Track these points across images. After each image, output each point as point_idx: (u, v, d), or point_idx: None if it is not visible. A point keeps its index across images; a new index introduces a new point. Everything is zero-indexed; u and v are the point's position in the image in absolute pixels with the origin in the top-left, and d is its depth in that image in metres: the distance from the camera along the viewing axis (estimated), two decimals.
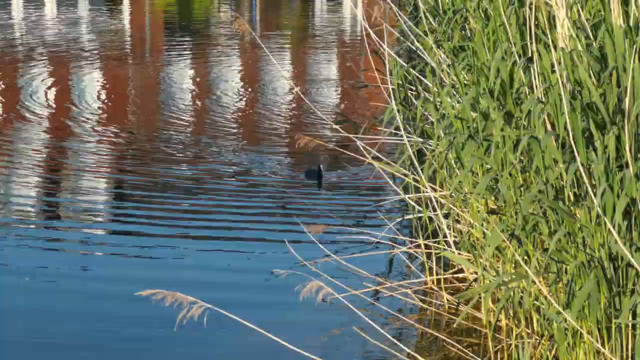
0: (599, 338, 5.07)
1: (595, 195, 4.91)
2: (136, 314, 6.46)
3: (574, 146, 5.09)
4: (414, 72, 7.89)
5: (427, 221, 6.83)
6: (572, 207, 5.31)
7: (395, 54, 7.83)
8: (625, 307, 4.86)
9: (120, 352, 6.12)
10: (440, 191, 6.72)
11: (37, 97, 12.45)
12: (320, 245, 6.89)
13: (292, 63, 15.22)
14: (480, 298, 6.03)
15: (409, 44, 8.37)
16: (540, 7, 6.18)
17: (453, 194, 6.51)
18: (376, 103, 8.95)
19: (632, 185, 4.80)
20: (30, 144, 10.60)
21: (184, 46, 16.52)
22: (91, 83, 13.48)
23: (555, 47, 5.77)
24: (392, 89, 7.51)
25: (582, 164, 5.06)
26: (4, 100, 12.39)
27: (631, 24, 5.70)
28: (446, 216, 6.63)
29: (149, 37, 17.81)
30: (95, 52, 15.63)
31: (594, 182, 5.06)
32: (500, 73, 6.21)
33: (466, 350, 5.89)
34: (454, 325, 6.25)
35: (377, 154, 7.38)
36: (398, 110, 7.16)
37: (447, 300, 6.49)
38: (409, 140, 6.98)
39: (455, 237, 6.60)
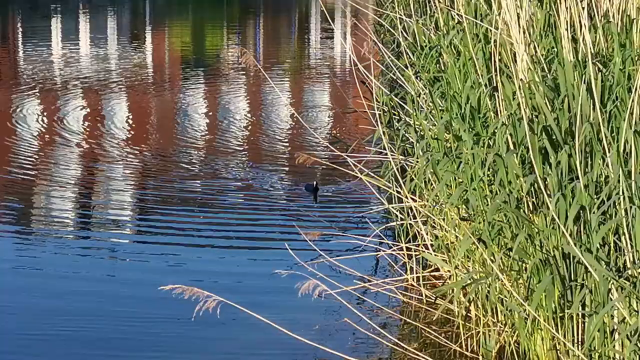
0: (554, 325, 5.09)
1: (550, 203, 4.96)
2: (158, 310, 6.48)
3: (533, 162, 5.14)
4: (396, 99, 7.94)
5: (408, 227, 6.83)
6: (530, 214, 5.35)
7: (380, 84, 7.89)
8: (576, 299, 4.88)
9: (144, 343, 6.15)
10: (419, 201, 6.72)
11: (72, 122, 12.39)
12: (316, 248, 6.90)
13: (290, 91, 15.17)
14: (453, 292, 6.10)
15: (392, 75, 8.43)
16: (503, 44, 6.25)
17: (430, 204, 6.51)
18: (364, 126, 8.97)
19: (581, 194, 4.84)
20: (66, 163, 10.56)
21: (198, 77, 16.46)
22: (118, 110, 13.44)
23: (515, 79, 5.85)
24: (378, 113, 7.53)
25: (539, 177, 5.11)
26: (44, 125, 12.35)
27: (579, 58, 5.78)
28: (424, 223, 6.62)
29: (168, 70, 17.80)
30: (122, 83, 15.59)
31: (549, 193, 5.12)
32: (469, 100, 6.24)
33: (442, 337, 5.91)
34: (432, 314, 6.28)
35: (365, 169, 7.38)
36: (383, 132, 7.20)
37: (426, 295, 6.47)
38: (392, 158, 7.02)
39: (432, 240, 6.58)
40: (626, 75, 5.66)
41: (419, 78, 7.64)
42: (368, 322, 5.83)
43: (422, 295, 6.50)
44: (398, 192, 6.92)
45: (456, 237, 6.21)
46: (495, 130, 5.69)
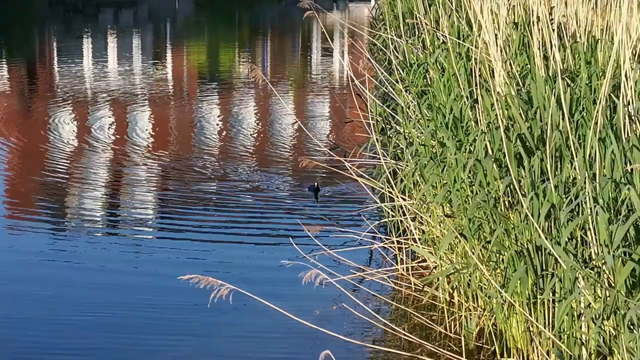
0: (527, 310, 5.10)
1: (524, 202, 4.97)
2: (177, 298, 6.47)
3: (508, 166, 5.15)
4: (388, 110, 7.96)
5: (399, 223, 6.86)
6: (507, 212, 5.37)
7: (373, 97, 7.91)
8: (547, 287, 4.89)
9: (164, 327, 6.16)
10: (408, 200, 6.72)
11: (100, 131, 12.39)
12: (317, 242, 6.89)
13: (294, 103, 15.17)
14: (438, 281, 6.12)
15: (384, 89, 8.43)
16: (483, 62, 6.27)
17: (418, 202, 6.52)
18: (359, 134, 8.97)
19: (552, 194, 4.86)
20: (95, 166, 10.57)
21: (212, 91, 16.47)
22: (141, 119, 13.44)
23: (493, 92, 5.87)
24: (372, 123, 7.53)
25: (514, 179, 5.13)
26: (76, 133, 12.36)
27: (550, 74, 5.79)
28: (413, 219, 6.63)
29: (186, 84, 17.81)
30: (145, 95, 15.58)
31: (523, 193, 5.13)
32: (453, 111, 6.27)
33: (428, 321, 5.93)
34: (419, 300, 6.29)
35: (360, 172, 7.37)
36: (376, 139, 7.22)
37: (414, 283, 6.48)
38: (385, 162, 7.03)
39: (419, 235, 6.59)
40: (592, 89, 5.68)
41: (408, 91, 7.64)
42: (363, 307, 5.84)
43: (411, 284, 6.50)
44: (390, 192, 6.93)
45: (441, 232, 6.22)
46: (476, 138, 5.71)
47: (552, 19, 6.45)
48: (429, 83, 7.36)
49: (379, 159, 7.09)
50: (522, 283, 5.08)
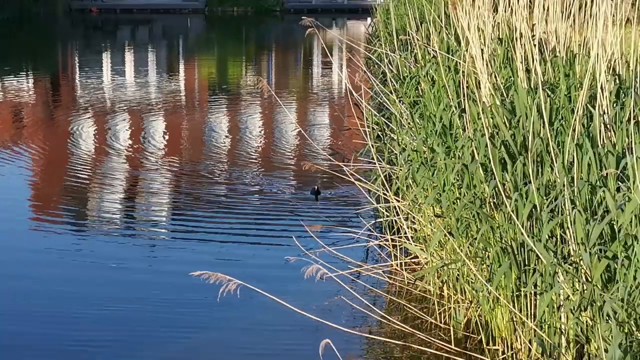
0: (511, 302, 5.10)
1: (508, 203, 4.97)
2: (188, 293, 6.47)
3: (493, 170, 5.17)
4: (383, 119, 7.96)
5: (393, 222, 6.86)
6: (492, 212, 5.37)
7: (369, 107, 7.91)
8: (529, 281, 4.89)
9: (176, 320, 6.12)
10: (401, 201, 6.72)
11: (118, 138, 12.41)
12: (318, 240, 6.89)
13: (297, 112, 15.18)
14: (429, 275, 6.12)
15: (380, 100, 8.44)
16: (470, 74, 6.27)
17: (410, 203, 6.52)
18: (357, 140, 8.97)
19: (533, 195, 4.85)
20: (113, 171, 10.57)
21: (221, 101, 16.49)
22: (156, 127, 13.44)
23: (480, 102, 5.87)
24: (368, 130, 7.56)
25: (499, 182, 5.14)
26: (95, 140, 12.38)
27: (532, 86, 5.79)
28: (406, 219, 6.63)
29: (197, 95, 17.82)
30: (159, 105, 15.61)
31: (507, 194, 5.12)
32: (442, 119, 6.26)
33: (420, 312, 5.93)
34: (412, 293, 6.28)
35: (358, 176, 7.37)
36: (372, 146, 7.24)
37: (407, 277, 6.48)
38: (380, 167, 7.03)
39: (412, 233, 6.58)
40: (570, 99, 5.69)
41: (401, 102, 7.64)
42: (360, 299, 5.84)
43: (404, 278, 6.49)
44: (385, 194, 6.94)
45: (431, 230, 6.22)
46: (463, 144, 5.71)
47: (533, 35, 6.45)
48: (421, 94, 7.36)
49: (375, 163, 7.08)
50: (506, 277, 5.08)
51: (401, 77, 8.16)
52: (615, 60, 5.99)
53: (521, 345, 5.11)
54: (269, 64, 23.28)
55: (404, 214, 6.64)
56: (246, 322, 6.00)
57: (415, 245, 6.39)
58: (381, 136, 7.85)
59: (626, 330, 4.05)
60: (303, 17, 7.47)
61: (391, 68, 8.61)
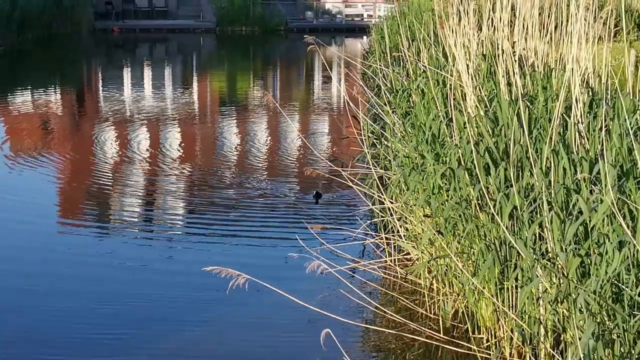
0: (495, 295, 5.10)
1: (491, 204, 4.96)
2: (200, 286, 6.45)
3: (478, 174, 5.19)
4: (377, 128, 7.96)
5: (387, 222, 6.84)
6: (477, 212, 5.37)
7: (366, 117, 7.90)
8: (511, 275, 4.90)
9: (190, 311, 6.10)
10: (394, 203, 6.73)
11: (137, 146, 12.40)
12: (319, 238, 6.91)
13: (299, 122, 15.17)
14: (420, 270, 6.12)
15: (375, 110, 8.44)
16: (456, 87, 6.27)
17: (403, 205, 6.52)
18: (354, 148, 8.97)
19: (514, 197, 4.85)
20: (132, 176, 10.54)
21: (231, 112, 16.48)
22: (171, 136, 13.43)
23: (465, 113, 5.87)
24: (364, 139, 7.57)
25: (483, 185, 5.14)
26: (117, 147, 12.37)
27: (513, 97, 5.80)
28: (399, 219, 6.62)
29: (209, 107, 17.82)
30: (175, 116, 15.61)
31: (490, 196, 5.14)
32: (431, 128, 6.27)
33: (412, 304, 5.92)
34: (404, 286, 6.27)
35: (355, 180, 7.36)
36: (368, 153, 7.21)
37: (400, 272, 6.47)
38: (375, 172, 7.02)
39: (404, 232, 6.57)
40: (547, 110, 5.69)
41: (394, 112, 7.64)
42: (358, 292, 5.83)
43: (397, 273, 6.48)
44: (379, 196, 6.92)
45: (422, 229, 6.21)
46: (450, 151, 5.70)
47: (514, 52, 6.45)
48: (412, 105, 7.35)
49: (371, 168, 7.08)
50: (490, 272, 5.07)
51: (394, 90, 8.17)
52: (588, 74, 5.99)
53: (504, 334, 5.10)
54: (274, 78, 23.28)
55: (397, 215, 6.63)
56: (253, 313, 5.99)
57: (407, 243, 6.38)
58: (376, 144, 7.83)
59: (598, 320, 4.04)
60: (305, 36, 7.47)
61: (385, 82, 8.62)
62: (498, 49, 6.51)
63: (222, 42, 33.87)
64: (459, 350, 5.18)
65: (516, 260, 4.92)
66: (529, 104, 5.71)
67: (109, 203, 9.37)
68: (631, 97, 5.45)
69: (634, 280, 3.99)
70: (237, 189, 9.81)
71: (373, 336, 5.59)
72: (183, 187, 10.07)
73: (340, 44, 32.27)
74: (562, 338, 4.59)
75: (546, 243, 4.64)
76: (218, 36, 34.98)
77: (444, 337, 5.39)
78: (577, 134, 5.05)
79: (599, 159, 4.61)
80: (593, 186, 4.51)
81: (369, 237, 7.14)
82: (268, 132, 13.87)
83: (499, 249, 4.99)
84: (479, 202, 5.35)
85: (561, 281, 4.38)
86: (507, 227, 4.84)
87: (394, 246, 6.75)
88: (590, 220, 4.28)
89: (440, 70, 7.25)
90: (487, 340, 5.28)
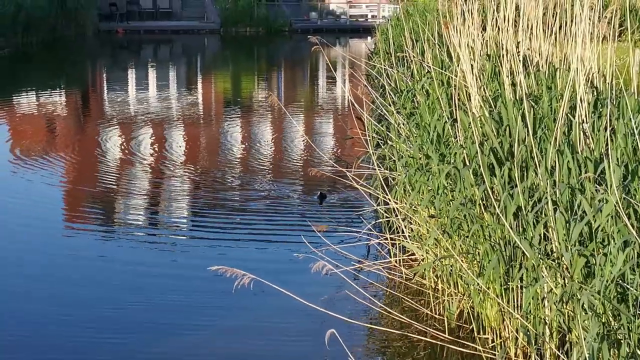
0: (500, 295, 5.09)
1: (496, 204, 4.97)
2: (207, 286, 6.47)
3: (483, 174, 5.17)
4: (382, 128, 7.96)
5: (392, 222, 6.83)
6: (482, 212, 5.38)
7: (370, 118, 7.91)
8: (516, 275, 4.89)
9: (196, 310, 6.10)
10: (399, 204, 6.71)
11: (141, 147, 12.40)
12: (323, 238, 6.88)
13: (304, 122, 15.18)
14: (425, 271, 6.13)
15: (379, 111, 8.45)
16: (461, 88, 6.27)
17: (407, 205, 6.51)
18: (359, 148, 8.98)
19: (519, 197, 4.85)
20: (137, 177, 10.55)
21: (235, 113, 16.49)
22: (176, 137, 13.45)
23: (470, 113, 5.86)
24: (369, 139, 7.57)
25: (487, 186, 5.14)
26: (121, 149, 12.38)
27: (517, 97, 5.79)
28: (403, 219, 6.61)
29: (213, 107, 17.84)
30: (179, 117, 15.63)
31: (495, 197, 5.14)
32: (436, 129, 6.26)
33: (417, 304, 5.92)
34: (409, 287, 6.26)
35: (360, 180, 7.35)
36: (373, 153, 7.23)
37: (405, 273, 6.47)
38: (380, 172, 7.02)
39: (409, 232, 6.56)
40: (552, 109, 5.68)
41: (399, 113, 7.64)
42: (363, 293, 5.84)
43: (402, 273, 6.48)
44: (384, 197, 6.91)
45: (427, 230, 6.21)
46: (455, 151, 5.71)
47: (518, 52, 6.45)
48: (416, 106, 7.35)
49: (375, 169, 7.07)
50: (494, 272, 5.06)
51: (399, 90, 8.17)
52: (593, 74, 5.98)
53: (509, 334, 5.10)
54: (279, 79, 23.29)
55: (401, 215, 6.63)
56: (258, 313, 5.99)
57: (412, 243, 6.38)
58: (381, 144, 7.83)
59: (603, 321, 4.04)
60: (309, 37, 7.47)
61: (389, 82, 8.61)
62: (502, 49, 6.51)
63: (226, 43, 33.90)
64: (464, 350, 5.18)
65: (521, 261, 4.91)
66: (533, 104, 5.71)
67: (112, 205, 9.37)
68: (636, 97, 5.45)
69: (639, 281, 3.99)
70: (241, 190, 9.81)
71: (378, 336, 5.58)
72: (187, 188, 10.06)
73: (345, 44, 32.28)
74: (567, 338, 4.58)
75: (551, 243, 4.63)
76: (222, 37, 35.01)
77: (449, 337, 5.39)
78: (582, 133, 5.05)
79: (604, 158, 4.59)
80: (598, 186, 4.50)
81: (373, 237, 7.13)
82: (272, 133, 13.88)
83: (503, 249, 4.99)
84: (484, 202, 5.34)
85: (566, 281, 4.37)
86: (511, 227, 4.83)
87: (399, 247, 6.74)
88: (595, 221, 4.28)
89: (445, 70, 7.25)
90: (493, 341, 5.28)
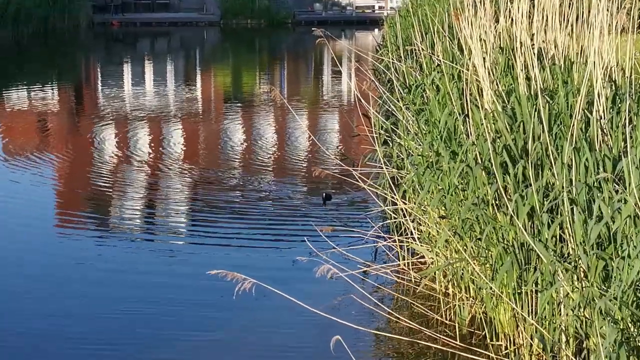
0: (513, 300, 5.08)
1: (509, 204, 4.95)
2: (206, 290, 6.47)
3: (495, 173, 5.17)
4: (390, 125, 7.96)
5: (400, 224, 6.83)
6: (494, 213, 5.36)
7: (377, 114, 7.90)
8: (530, 279, 4.89)
9: (195, 316, 6.11)
10: (408, 204, 6.71)
11: (138, 145, 12.43)
12: (328, 241, 6.89)
13: (308, 119, 15.18)
14: (435, 274, 6.13)
15: (387, 107, 8.44)
16: (472, 82, 6.26)
17: (417, 206, 6.50)
18: (365, 146, 8.96)
19: (533, 197, 4.84)
20: (134, 176, 10.56)
21: (236, 109, 16.51)
22: (174, 134, 13.47)
23: (482, 108, 5.86)
24: (376, 136, 7.57)
25: (500, 185, 5.13)
26: (117, 147, 12.40)
27: (532, 92, 5.78)
28: (412, 220, 6.61)
29: (213, 103, 17.85)
30: (177, 113, 15.65)
31: (509, 197, 5.14)
32: (447, 125, 6.25)
33: (426, 309, 5.92)
34: (418, 291, 6.27)
35: (366, 180, 7.33)
36: (380, 151, 7.22)
37: (414, 276, 6.46)
38: (387, 171, 7.03)
39: (418, 234, 6.57)
40: (568, 105, 5.68)
41: (407, 109, 7.64)
42: (369, 297, 5.83)
43: (411, 277, 6.48)
44: (392, 197, 6.92)
45: (437, 231, 6.20)
46: (467, 149, 5.70)
47: (533, 44, 6.44)
48: (426, 101, 7.34)
49: (383, 168, 7.06)
50: (508, 276, 5.06)
51: (407, 85, 8.16)
52: (611, 68, 5.97)
53: (523, 340, 5.10)
54: (281, 73, 23.30)
55: (410, 216, 6.62)
56: (260, 319, 5.99)
57: (422, 246, 6.38)
58: (388, 142, 7.83)
59: (622, 327, 4.04)
60: (314, 29, 7.47)
61: (398, 76, 8.61)
62: (516, 41, 6.51)
63: (227, 36, 33.90)
64: (477, 358, 5.17)
65: (536, 264, 4.90)
66: (549, 99, 5.70)
67: (109, 204, 9.38)
68: None
69: None
70: (242, 190, 9.82)
71: (385, 343, 5.59)
72: (186, 187, 10.08)
73: (351, 37, 32.28)
74: (584, 345, 4.58)
75: (567, 245, 4.63)
76: (222, 29, 35.02)
77: (461, 344, 5.38)
78: (599, 130, 5.04)
79: (623, 156, 4.59)
80: (617, 185, 4.50)
81: (381, 239, 7.13)
82: (275, 130, 13.89)
83: (517, 252, 4.99)
84: (497, 202, 5.34)
85: (583, 285, 4.37)
86: (525, 229, 4.83)
87: (408, 249, 6.74)
88: (613, 222, 4.27)
89: (456, 64, 7.24)
90: (506, 348, 5.28)
